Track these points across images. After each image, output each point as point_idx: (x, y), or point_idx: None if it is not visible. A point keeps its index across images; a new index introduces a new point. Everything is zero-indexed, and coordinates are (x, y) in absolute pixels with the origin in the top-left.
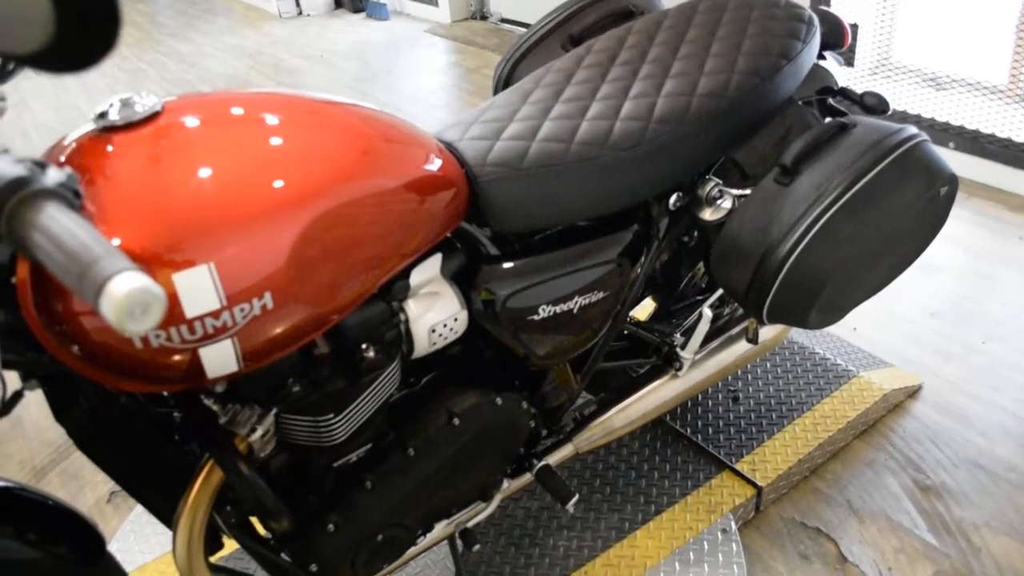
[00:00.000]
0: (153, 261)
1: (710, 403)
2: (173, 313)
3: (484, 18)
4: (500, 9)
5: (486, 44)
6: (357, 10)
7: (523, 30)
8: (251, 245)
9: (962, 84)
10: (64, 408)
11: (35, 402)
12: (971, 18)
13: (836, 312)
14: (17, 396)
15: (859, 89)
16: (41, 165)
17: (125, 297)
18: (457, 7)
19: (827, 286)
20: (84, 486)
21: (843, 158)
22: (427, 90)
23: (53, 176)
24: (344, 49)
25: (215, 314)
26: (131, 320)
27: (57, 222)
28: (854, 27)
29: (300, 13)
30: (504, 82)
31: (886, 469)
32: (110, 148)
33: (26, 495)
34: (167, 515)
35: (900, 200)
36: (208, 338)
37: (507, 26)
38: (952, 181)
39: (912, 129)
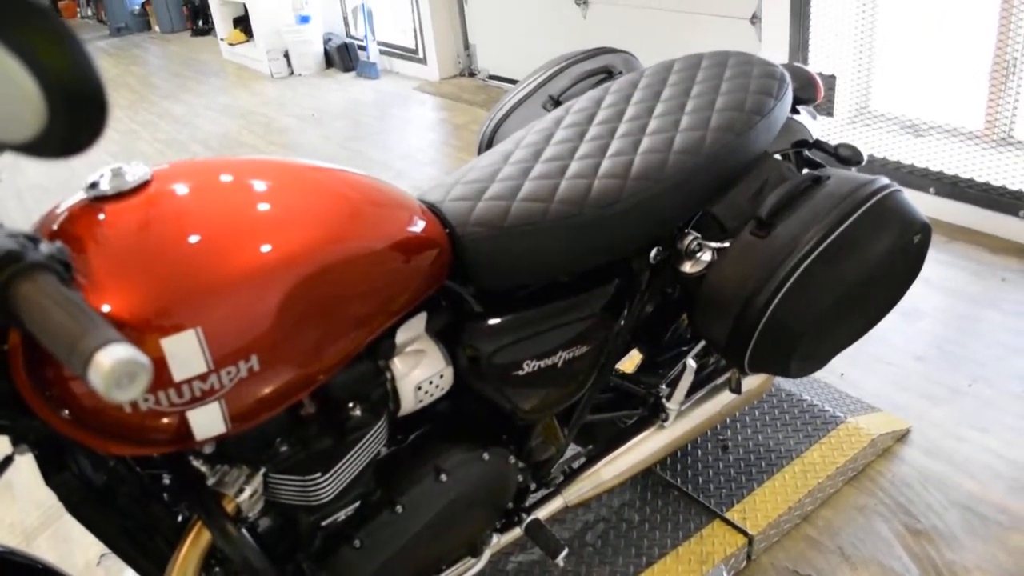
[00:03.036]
0: (142, 327)
1: (699, 452)
2: (161, 377)
3: (472, 75)
4: (487, 66)
5: (474, 100)
6: (347, 69)
7: (510, 86)
8: (238, 309)
9: (940, 130)
10: (54, 472)
11: (25, 465)
12: (946, 65)
13: (817, 360)
14: (7, 461)
15: (840, 138)
16: (33, 239)
17: (112, 368)
18: (445, 65)
19: (806, 335)
20: (74, 548)
21: (817, 210)
22: (417, 147)
23: (44, 250)
24: (335, 108)
25: (202, 377)
26: (118, 389)
27: (47, 296)
28: (832, 78)
29: (291, 73)
30: (488, 142)
31: (877, 515)
32: (101, 217)
33: (16, 559)
34: None
35: (875, 249)
36: (196, 401)
37: (495, 82)
38: (925, 229)
39: (884, 180)
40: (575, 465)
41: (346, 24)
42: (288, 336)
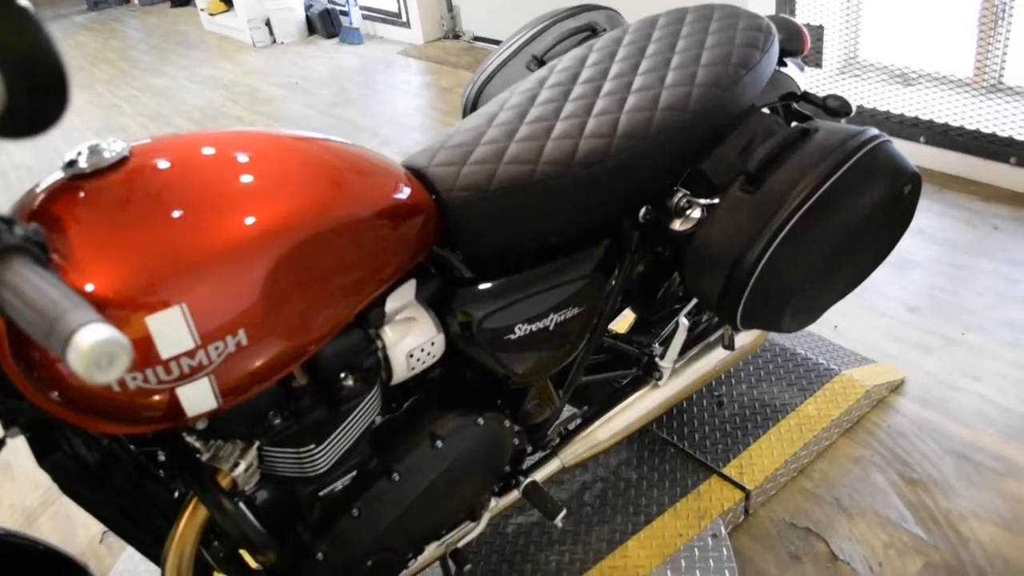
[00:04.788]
0: (126, 305)
1: (695, 409)
2: (148, 355)
3: (457, 37)
4: (472, 28)
5: (459, 63)
6: (330, 35)
7: (493, 47)
8: (223, 284)
9: (929, 79)
10: (47, 454)
11: (23, 446)
12: (934, 12)
13: (809, 314)
14: (0, 444)
15: (829, 88)
16: (7, 221)
17: (91, 349)
18: (429, 28)
19: (798, 289)
20: (77, 527)
21: (806, 163)
22: (403, 112)
23: (18, 232)
24: (319, 75)
25: (190, 354)
26: (98, 370)
27: (24, 278)
28: (820, 29)
29: (274, 42)
30: (473, 104)
31: (872, 465)
32: (80, 195)
33: (17, 541)
34: (156, 553)
35: (865, 201)
36: (184, 378)
37: (480, 44)
38: (915, 179)
39: (873, 130)
40: (571, 426)
41: None
42: (275, 308)
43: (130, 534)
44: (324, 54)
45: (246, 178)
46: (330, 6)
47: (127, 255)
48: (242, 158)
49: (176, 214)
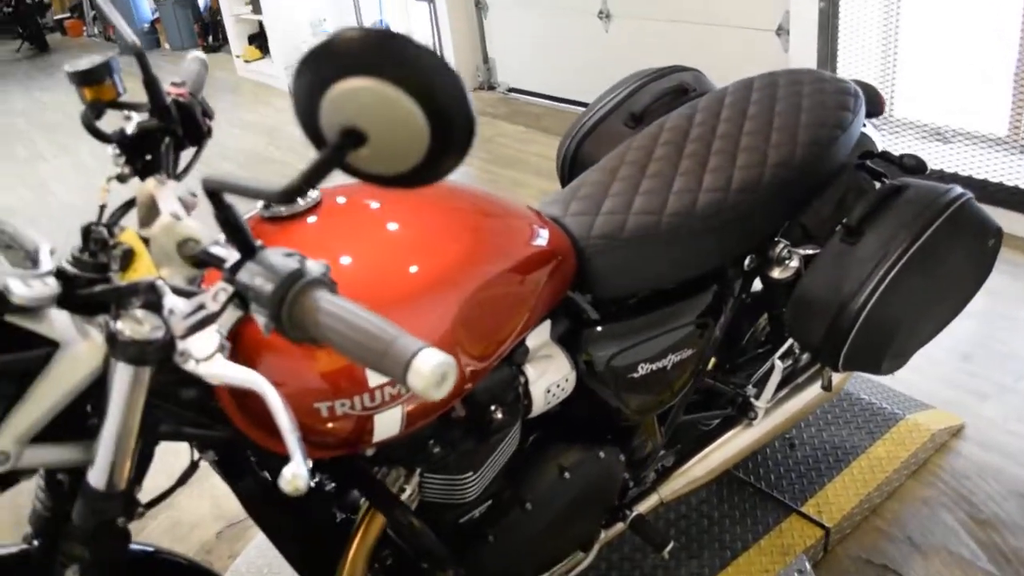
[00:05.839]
0: None
1: (768, 451)
2: (360, 382)
3: (492, 88)
4: (507, 79)
5: (496, 113)
6: None
7: (528, 99)
8: (424, 317)
9: (964, 136)
10: (238, 477)
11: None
12: (967, 72)
13: (903, 357)
14: (194, 467)
15: None
16: (301, 257)
17: (431, 371)
18: (465, 78)
19: (897, 334)
20: None
21: (902, 218)
22: None
23: (315, 267)
24: None
25: (392, 382)
26: (435, 389)
27: (344, 308)
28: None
29: None
30: (571, 157)
31: (941, 505)
32: (287, 234)
33: (165, 558)
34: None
35: (956, 253)
36: (384, 405)
37: (514, 95)
38: (998, 234)
39: (959, 188)
40: (667, 463)
41: None
42: (460, 342)
43: (294, 554)
44: None
45: (433, 226)
46: None
47: (346, 290)
48: (420, 207)
49: (379, 253)
